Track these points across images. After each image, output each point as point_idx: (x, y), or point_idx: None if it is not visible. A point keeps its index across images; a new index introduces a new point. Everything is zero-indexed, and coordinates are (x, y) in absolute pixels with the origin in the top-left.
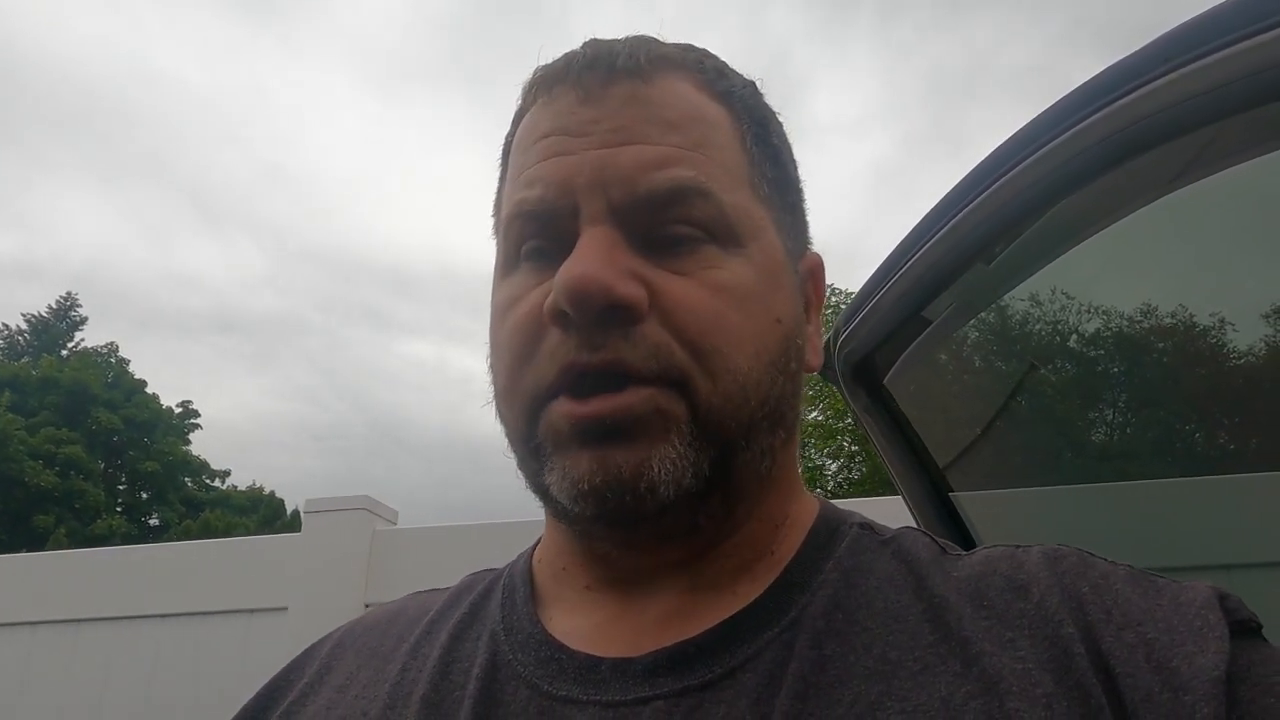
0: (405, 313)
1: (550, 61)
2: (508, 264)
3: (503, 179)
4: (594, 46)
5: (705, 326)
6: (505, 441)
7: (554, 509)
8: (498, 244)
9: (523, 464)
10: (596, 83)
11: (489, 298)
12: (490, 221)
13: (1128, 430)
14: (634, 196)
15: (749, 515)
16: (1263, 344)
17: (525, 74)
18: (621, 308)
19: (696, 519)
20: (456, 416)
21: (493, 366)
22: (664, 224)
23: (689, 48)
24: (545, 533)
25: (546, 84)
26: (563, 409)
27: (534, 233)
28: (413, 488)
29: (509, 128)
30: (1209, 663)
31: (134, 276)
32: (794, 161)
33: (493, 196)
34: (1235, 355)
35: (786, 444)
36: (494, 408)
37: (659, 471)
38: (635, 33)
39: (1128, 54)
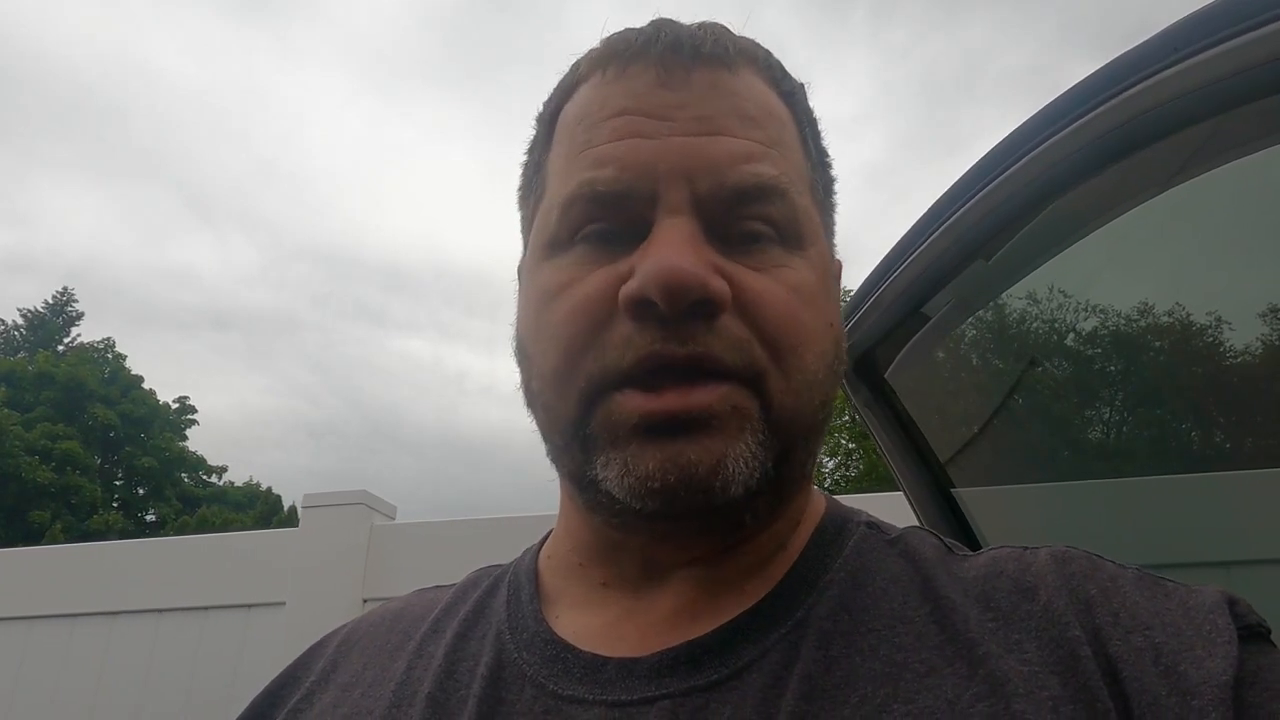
0: (399, 310)
1: (618, 34)
2: (558, 243)
3: (544, 149)
4: (672, 27)
5: (783, 324)
6: (536, 429)
7: (595, 500)
8: (543, 219)
9: (563, 453)
10: (680, 66)
11: (520, 276)
12: (517, 193)
13: (1124, 427)
14: (720, 189)
15: (782, 513)
16: (1259, 343)
17: (521, 71)
18: (709, 303)
19: (744, 517)
20: (451, 414)
21: (530, 350)
22: (740, 220)
23: (756, 43)
24: (560, 528)
25: (620, 59)
26: (631, 402)
27: (599, 215)
28: (407, 484)
29: (553, 95)
30: (1217, 668)
31: (129, 272)
32: (832, 166)
33: (521, 164)
34: (1236, 353)
35: (820, 444)
36: (527, 392)
37: (733, 470)
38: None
39: (1125, 50)
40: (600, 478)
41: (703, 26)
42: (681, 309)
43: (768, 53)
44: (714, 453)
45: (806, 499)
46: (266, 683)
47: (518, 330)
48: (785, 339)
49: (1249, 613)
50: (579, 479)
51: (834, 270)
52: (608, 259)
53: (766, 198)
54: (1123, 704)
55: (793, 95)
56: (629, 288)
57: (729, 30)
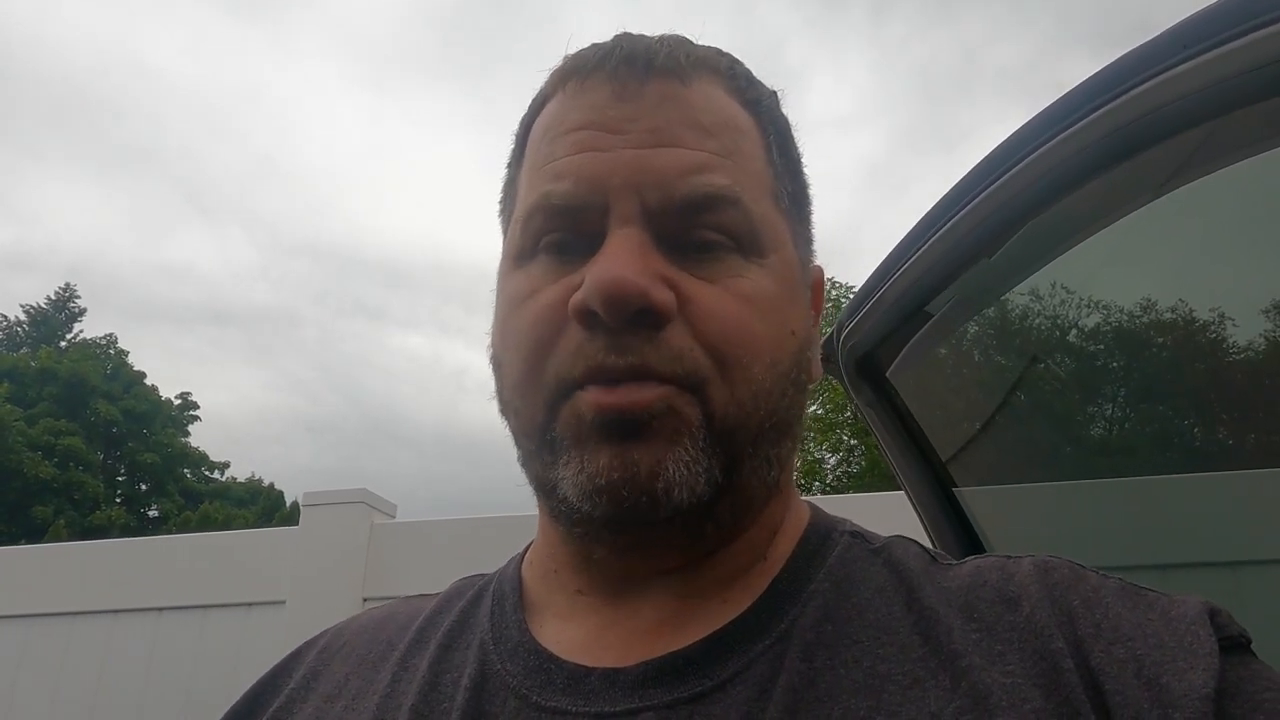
0: (398, 306)
1: (581, 50)
2: (522, 254)
3: (517, 163)
4: (629, 41)
5: (729, 335)
6: (509, 435)
7: (557, 508)
8: (511, 231)
9: (531, 458)
10: (634, 79)
11: (495, 286)
12: (498, 205)
13: (1127, 425)
14: (669, 200)
15: (752, 523)
16: (1263, 339)
17: (519, 67)
18: (651, 312)
19: (704, 527)
20: (450, 411)
21: (501, 357)
22: (693, 229)
23: (720, 52)
24: (537, 535)
25: (579, 74)
26: (590, 396)
27: (557, 226)
28: (407, 481)
29: (526, 111)
30: (1199, 680)
31: (128, 268)
32: (806, 173)
33: (501, 179)
34: (1239, 349)
35: (791, 453)
36: (499, 400)
37: (674, 473)
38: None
39: (1128, 50)
40: (559, 478)
41: (661, 39)
42: (623, 319)
43: (732, 62)
44: (654, 454)
45: (784, 507)
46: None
47: (491, 339)
48: (730, 349)
49: (1230, 624)
50: (543, 484)
51: (808, 278)
52: (566, 269)
53: (717, 207)
54: (1105, 716)
55: (758, 103)
56: (575, 298)
57: (688, 41)
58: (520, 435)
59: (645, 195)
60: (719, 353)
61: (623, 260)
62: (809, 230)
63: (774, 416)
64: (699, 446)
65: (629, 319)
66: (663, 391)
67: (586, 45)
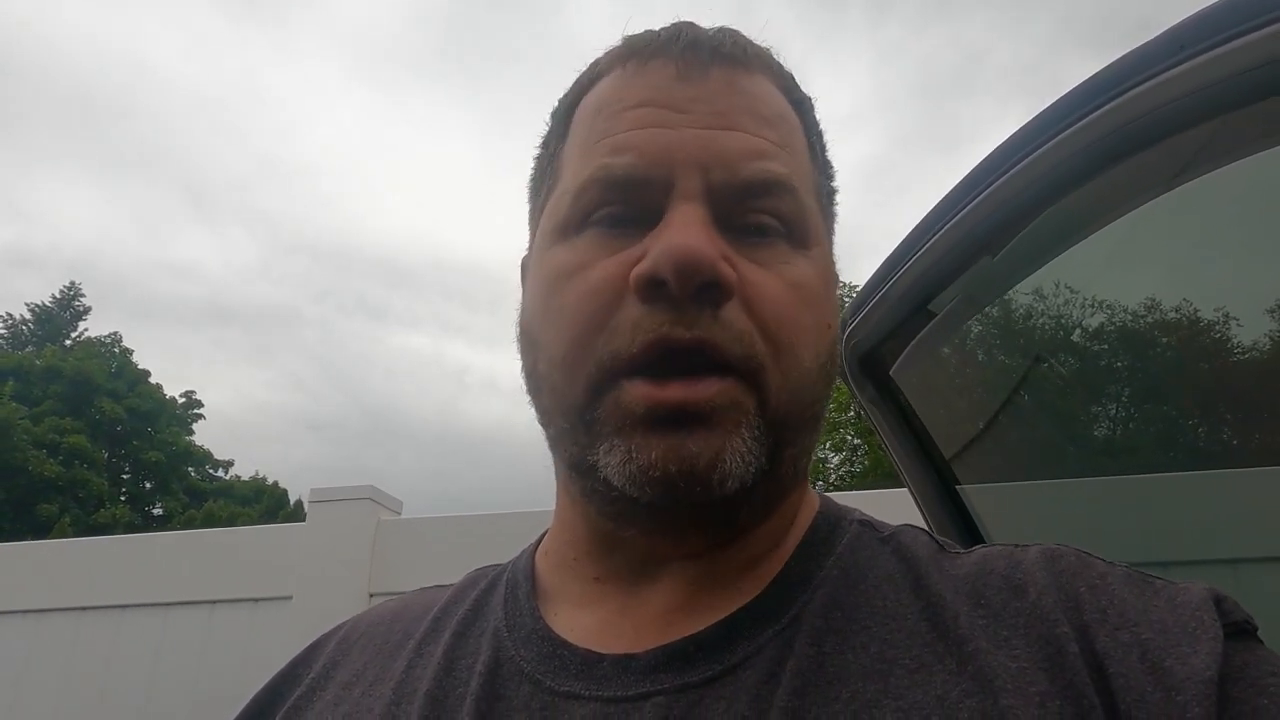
0: (399, 304)
1: (639, 34)
2: (567, 228)
3: (559, 140)
4: (692, 29)
5: (783, 320)
6: (538, 413)
7: (593, 488)
8: (555, 205)
9: (564, 436)
10: (698, 62)
11: (530, 262)
12: (528, 186)
13: (1130, 424)
14: (734, 181)
15: (776, 510)
16: (1267, 339)
17: (522, 64)
18: (717, 287)
19: (740, 512)
20: (451, 409)
21: (540, 333)
22: (750, 213)
23: (771, 53)
24: (555, 523)
25: (641, 54)
26: (640, 390)
27: (614, 199)
28: (408, 479)
29: (569, 92)
30: (1202, 664)
31: (131, 267)
32: (835, 181)
33: (534, 157)
34: (1244, 349)
35: (815, 444)
36: (532, 376)
37: (730, 464)
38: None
39: (1131, 49)
40: (601, 463)
41: (721, 30)
42: (691, 289)
43: (780, 64)
44: (713, 446)
45: (801, 497)
46: (269, 678)
47: (523, 317)
48: (784, 334)
49: (1235, 609)
50: (579, 464)
51: (833, 277)
52: (619, 243)
53: (775, 193)
54: (1109, 700)
55: (802, 105)
56: (641, 267)
57: (746, 36)
58: (555, 413)
59: (710, 174)
60: (774, 337)
61: (692, 232)
62: (834, 234)
63: (815, 406)
64: (754, 435)
65: (695, 291)
66: (723, 385)
67: (643, 31)
